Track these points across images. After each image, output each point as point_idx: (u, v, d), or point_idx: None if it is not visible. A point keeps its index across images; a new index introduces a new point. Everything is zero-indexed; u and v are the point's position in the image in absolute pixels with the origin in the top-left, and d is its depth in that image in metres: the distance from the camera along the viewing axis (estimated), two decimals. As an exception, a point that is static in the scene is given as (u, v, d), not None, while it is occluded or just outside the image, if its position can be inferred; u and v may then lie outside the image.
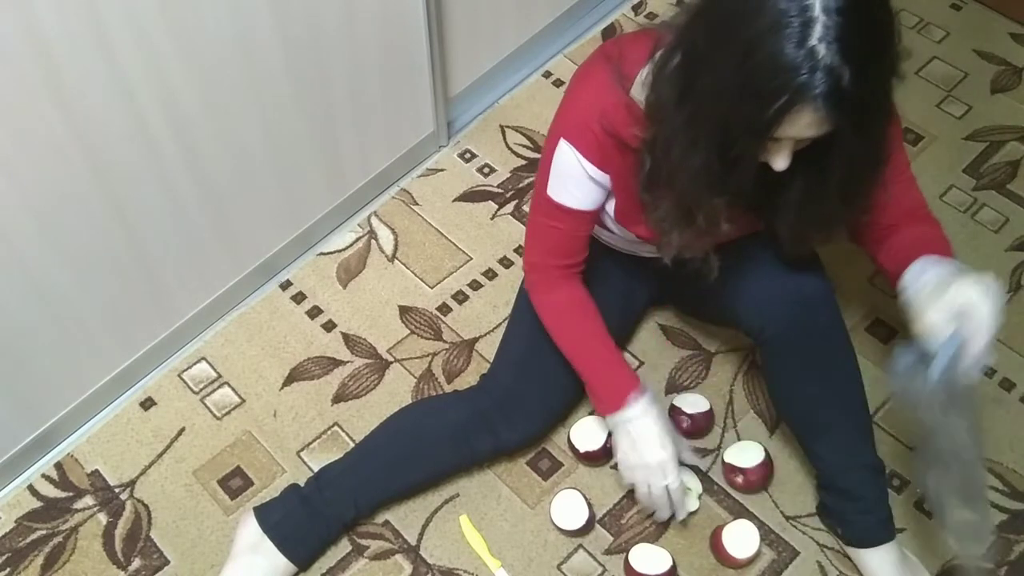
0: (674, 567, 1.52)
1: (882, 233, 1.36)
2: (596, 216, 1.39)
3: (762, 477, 1.61)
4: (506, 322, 1.69)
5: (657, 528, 1.59)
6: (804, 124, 1.05)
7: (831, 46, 1.00)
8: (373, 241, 1.92)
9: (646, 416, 1.44)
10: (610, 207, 1.38)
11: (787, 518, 1.60)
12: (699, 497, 1.59)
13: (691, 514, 1.58)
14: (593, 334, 1.47)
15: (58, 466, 1.66)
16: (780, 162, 1.14)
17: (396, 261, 1.90)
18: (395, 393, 1.73)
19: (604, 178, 1.31)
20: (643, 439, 1.44)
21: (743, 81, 1.04)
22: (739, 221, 1.29)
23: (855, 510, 1.48)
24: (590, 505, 1.58)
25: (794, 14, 1.01)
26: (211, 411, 1.72)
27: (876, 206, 1.30)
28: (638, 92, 1.24)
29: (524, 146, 2.05)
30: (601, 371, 1.48)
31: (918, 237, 1.32)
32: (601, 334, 1.47)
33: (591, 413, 1.68)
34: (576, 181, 1.32)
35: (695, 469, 1.61)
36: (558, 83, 2.15)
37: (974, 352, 1.16)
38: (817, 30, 1.00)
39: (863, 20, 1.02)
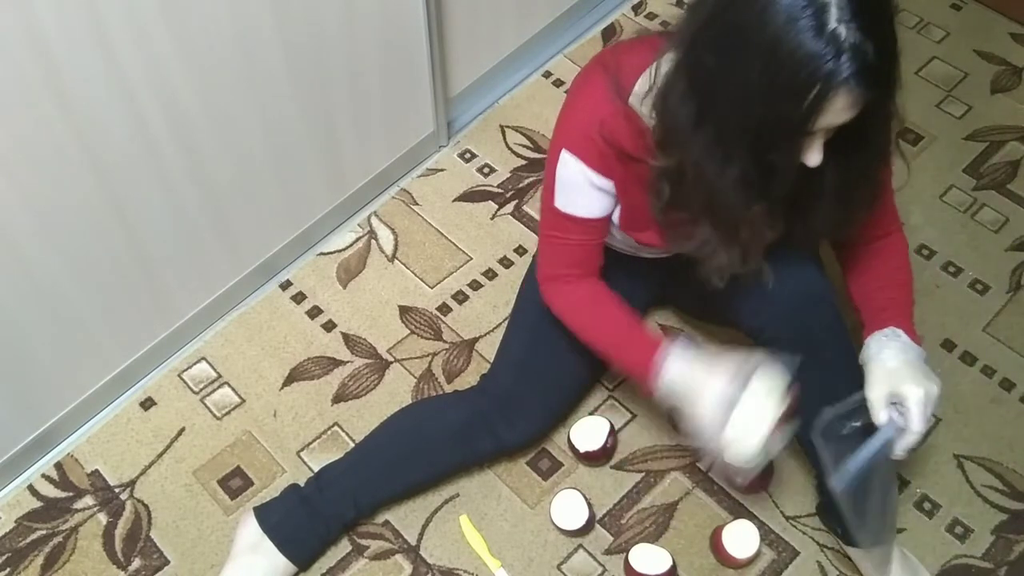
0: (674, 567, 1.52)
1: (856, 242, 1.40)
2: (607, 224, 1.38)
3: (762, 477, 1.61)
4: (506, 322, 1.69)
5: (657, 528, 1.59)
6: (839, 109, 1.05)
7: (850, 25, 1.01)
8: (373, 241, 1.92)
9: (681, 360, 1.31)
10: (615, 215, 1.38)
11: (787, 518, 1.60)
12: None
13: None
14: (613, 315, 1.39)
15: (58, 466, 1.66)
16: (814, 156, 1.13)
17: (396, 261, 1.90)
18: (395, 393, 1.73)
19: (608, 185, 1.31)
20: (695, 379, 1.30)
21: (770, 83, 1.04)
22: (776, 225, 1.29)
23: (855, 510, 1.48)
24: (590, 505, 1.58)
25: (805, 4, 1.01)
26: (211, 411, 1.72)
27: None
28: (636, 102, 1.24)
29: (524, 146, 2.05)
30: (627, 343, 1.38)
31: (885, 277, 1.39)
32: (625, 313, 1.39)
33: (591, 413, 1.68)
34: (582, 190, 1.32)
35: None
36: (558, 83, 2.15)
37: (902, 443, 1.28)
38: (833, 13, 1.01)
39: None
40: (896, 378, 1.28)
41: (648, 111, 1.22)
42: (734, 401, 1.25)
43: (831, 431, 1.33)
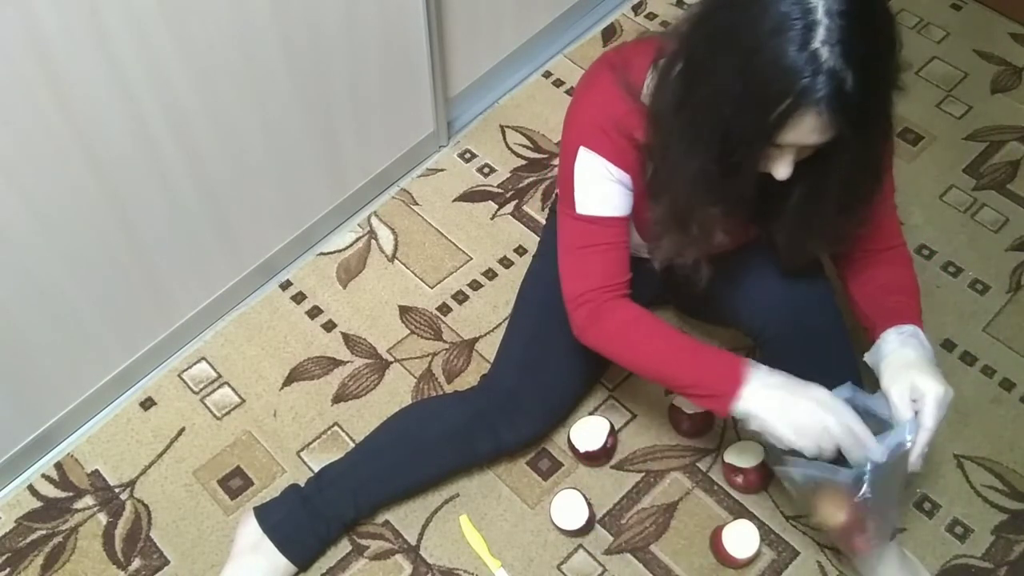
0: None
1: (858, 255, 1.38)
2: (628, 227, 1.35)
3: (762, 477, 1.61)
4: (506, 322, 1.69)
5: (657, 528, 1.58)
6: (807, 129, 1.05)
7: (834, 49, 1.00)
8: (373, 241, 1.92)
9: (773, 374, 1.25)
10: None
11: (787, 518, 1.60)
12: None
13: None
14: (671, 336, 1.32)
15: (58, 466, 1.66)
16: (782, 170, 1.13)
17: (396, 261, 1.90)
18: (395, 393, 1.73)
19: (626, 178, 1.30)
20: (791, 389, 1.24)
21: (745, 86, 1.05)
22: (735, 233, 1.29)
23: (855, 510, 1.47)
24: (590, 505, 1.58)
25: (797, 17, 1.00)
26: (211, 411, 1.72)
27: (871, 221, 1.31)
28: (647, 98, 1.24)
29: (524, 146, 2.05)
30: (701, 363, 1.29)
31: (893, 284, 1.36)
32: (678, 334, 1.33)
33: (591, 413, 1.68)
34: (602, 184, 1.30)
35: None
36: (558, 83, 2.15)
37: (918, 441, 1.24)
38: (820, 33, 1.00)
39: (865, 24, 1.02)
40: (917, 374, 1.25)
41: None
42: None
43: None
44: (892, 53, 1.07)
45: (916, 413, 1.25)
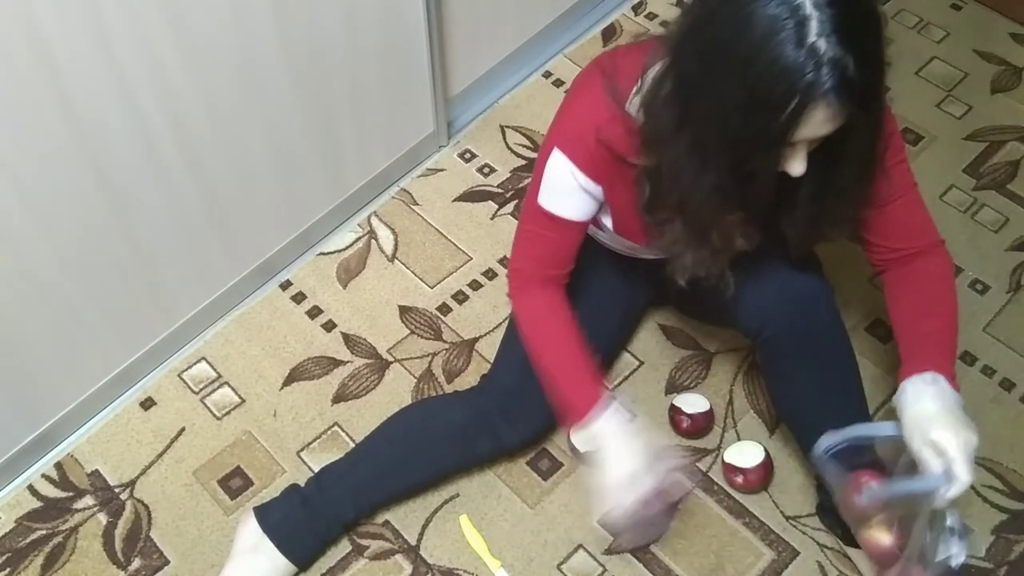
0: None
1: (891, 256, 1.36)
2: (586, 228, 1.38)
3: (762, 477, 1.61)
4: (506, 322, 1.69)
5: (657, 527, 1.58)
6: (819, 122, 1.06)
7: (830, 39, 1.01)
8: (373, 241, 1.92)
9: (608, 428, 1.37)
10: (608, 221, 1.39)
11: (787, 518, 1.60)
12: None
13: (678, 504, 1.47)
14: (565, 344, 1.41)
15: (58, 466, 1.66)
16: (797, 166, 1.13)
17: (396, 261, 1.90)
18: (395, 393, 1.73)
19: (596, 189, 1.31)
20: (609, 453, 1.37)
21: (748, 95, 1.04)
22: (751, 235, 1.29)
23: (855, 510, 1.47)
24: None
25: (786, 16, 1.01)
26: (211, 411, 1.72)
27: (899, 220, 1.31)
28: (633, 107, 1.24)
29: (524, 146, 2.05)
30: (567, 383, 1.41)
31: (927, 306, 1.33)
32: (573, 345, 1.41)
33: (591, 413, 1.68)
34: (568, 191, 1.32)
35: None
36: (558, 83, 2.15)
37: (950, 494, 1.21)
38: (813, 26, 1.00)
39: (852, 7, 1.03)
40: (935, 428, 1.23)
41: (637, 111, 1.23)
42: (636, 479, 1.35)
43: (840, 455, 1.32)
44: (880, 28, 1.07)
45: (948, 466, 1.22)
